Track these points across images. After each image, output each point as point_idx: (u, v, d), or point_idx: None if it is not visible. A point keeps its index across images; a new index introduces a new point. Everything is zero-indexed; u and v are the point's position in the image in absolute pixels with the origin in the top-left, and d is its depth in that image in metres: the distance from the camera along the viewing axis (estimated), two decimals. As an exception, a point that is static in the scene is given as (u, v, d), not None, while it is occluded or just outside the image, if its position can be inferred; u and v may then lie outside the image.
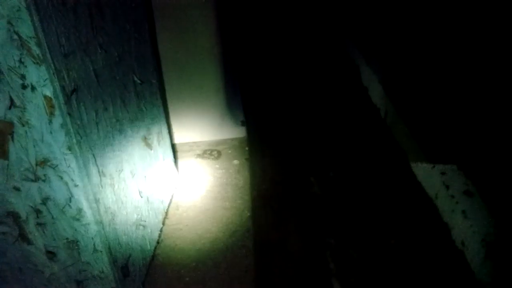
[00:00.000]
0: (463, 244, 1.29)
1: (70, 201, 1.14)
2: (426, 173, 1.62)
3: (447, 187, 1.42)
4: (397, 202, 1.64)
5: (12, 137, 1.05)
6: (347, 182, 1.81)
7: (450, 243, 1.39)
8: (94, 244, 1.22)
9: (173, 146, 1.98)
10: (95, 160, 1.18)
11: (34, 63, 0.94)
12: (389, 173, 1.82)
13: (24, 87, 0.97)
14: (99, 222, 1.20)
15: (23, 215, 1.18)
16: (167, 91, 2.17)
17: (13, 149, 1.06)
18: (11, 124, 1.02)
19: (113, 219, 1.28)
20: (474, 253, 1.22)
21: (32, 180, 1.11)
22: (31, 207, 1.16)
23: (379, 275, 1.36)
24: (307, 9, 3.84)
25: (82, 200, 1.14)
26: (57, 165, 1.08)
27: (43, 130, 1.03)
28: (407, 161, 1.85)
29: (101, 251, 1.24)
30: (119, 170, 1.34)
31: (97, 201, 1.18)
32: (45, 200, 1.15)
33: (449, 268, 1.30)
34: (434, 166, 1.54)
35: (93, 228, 1.19)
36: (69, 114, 1.03)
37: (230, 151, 2.26)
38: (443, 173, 1.48)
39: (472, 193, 1.36)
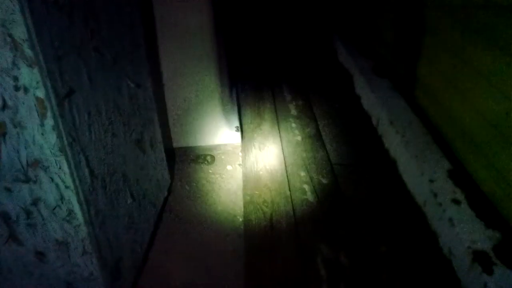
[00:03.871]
0: (450, 251, 1.30)
1: (61, 202, 1.14)
2: (415, 181, 1.64)
3: (435, 195, 1.43)
4: (387, 210, 1.65)
5: (4, 138, 1.05)
6: (339, 189, 1.82)
7: (438, 250, 1.40)
8: (84, 246, 1.22)
9: (167, 151, 1.98)
10: (87, 162, 1.18)
11: (27, 65, 0.95)
12: (379, 180, 1.83)
13: (16, 88, 0.98)
14: (90, 224, 1.20)
15: (13, 216, 1.18)
16: (162, 95, 2.18)
17: (5, 150, 1.07)
18: (3, 125, 1.03)
19: (104, 221, 1.28)
20: (460, 260, 1.23)
21: (23, 181, 1.12)
22: (22, 208, 1.17)
23: (369, 282, 1.37)
24: (300, 19, 3.89)
25: (73, 202, 1.14)
26: (48, 167, 1.09)
27: (34, 132, 1.03)
28: (396, 169, 1.87)
29: (91, 253, 1.24)
30: (111, 173, 1.35)
31: (88, 203, 1.18)
32: (35, 201, 1.15)
33: (436, 276, 1.31)
34: (423, 174, 1.55)
35: (83, 230, 1.19)
36: (61, 116, 1.04)
37: (223, 157, 2.27)
38: (431, 181, 1.49)
39: (460, 201, 1.37)
